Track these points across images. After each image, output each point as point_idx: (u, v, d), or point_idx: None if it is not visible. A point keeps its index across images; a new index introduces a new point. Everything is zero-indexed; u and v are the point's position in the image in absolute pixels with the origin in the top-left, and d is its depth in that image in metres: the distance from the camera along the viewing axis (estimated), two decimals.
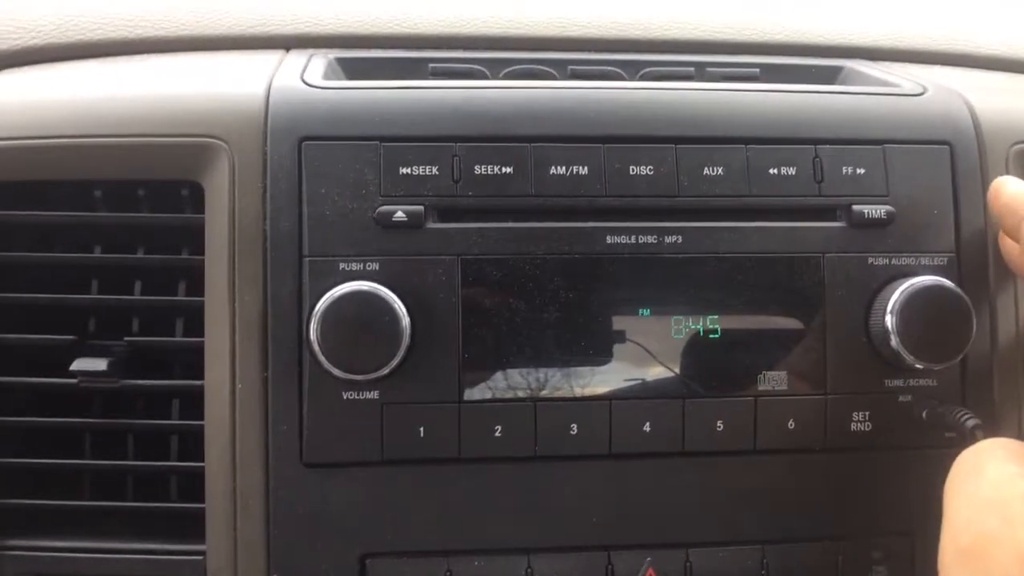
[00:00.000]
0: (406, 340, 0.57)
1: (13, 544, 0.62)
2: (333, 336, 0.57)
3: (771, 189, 0.62)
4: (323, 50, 0.76)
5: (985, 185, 0.64)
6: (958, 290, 0.60)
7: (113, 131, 0.62)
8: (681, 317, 0.61)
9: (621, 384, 0.61)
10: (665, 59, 0.79)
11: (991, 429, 0.58)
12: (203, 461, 0.61)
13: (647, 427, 0.61)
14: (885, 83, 0.72)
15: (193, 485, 0.61)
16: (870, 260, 0.62)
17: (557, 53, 0.79)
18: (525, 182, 0.61)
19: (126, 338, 0.63)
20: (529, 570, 0.61)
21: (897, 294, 0.60)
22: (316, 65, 0.70)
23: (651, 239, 0.61)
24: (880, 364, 0.62)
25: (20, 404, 0.63)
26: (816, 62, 0.81)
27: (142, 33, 0.77)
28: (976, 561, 0.46)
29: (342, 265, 0.59)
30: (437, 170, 0.60)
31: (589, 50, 0.80)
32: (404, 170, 0.60)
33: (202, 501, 0.61)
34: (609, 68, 0.76)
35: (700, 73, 0.77)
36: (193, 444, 0.62)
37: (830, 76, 0.79)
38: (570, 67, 0.76)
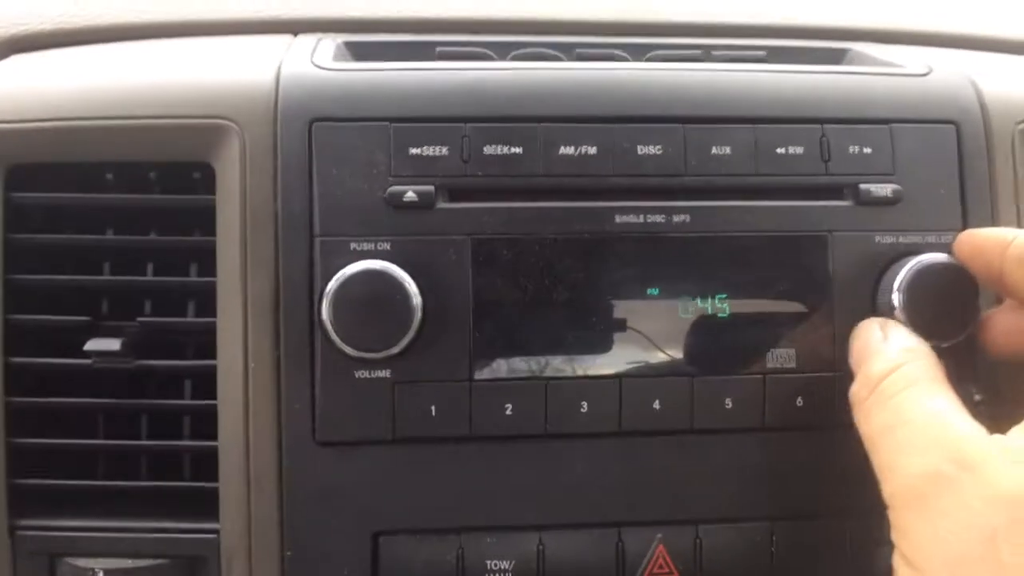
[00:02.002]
0: (417, 319, 0.58)
1: (27, 524, 0.62)
2: (345, 314, 0.57)
3: (778, 168, 0.63)
4: (331, 34, 0.76)
5: (992, 163, 0.65)
6: (964, 266, 0.60)
7: (124, 112, 0.62)
8: (689, 296, 0.62)
9: (630, 362, 0.61)
10: (671, 42, 0.79)
11: (997, 405, 0.59)
12: (216, 441, 0.61)
13: (656, 405, 0.61)
14: (891, 64, 0.73)
15: (206, 465, 0.62)
16: (877, 238, 0.63)
17: (563, 37, 0.79)
18: (534, 162, 0.61)
19: (139, 319, 0.63)
20: (541, 547, 0.61)
21: (904, 272, 0.60)
22: (325, 48, 0.70)
23: (659, 218, 0.62)
24: None
25: (34, 385, 0.64)
26: (822, 44, 0.81)
27: (149, 18, 0.78)
28: (935, 501, 0.47)
29: (353, 245, 0.59)
30: (447, 150, 0.61)
31: (595, 34, 0.81)
32: (414, 150, 0.61)
33: (215, 480, 0.61)
34: (615, 51, 0.77)
35: (706, 56, 0.77)
36: (206, 424, 0.62)
37: (836, 58, 0.79)
38: (576, 50, 0.77)
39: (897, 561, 0.50)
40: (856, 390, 0.55)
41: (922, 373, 0.53)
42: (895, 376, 0.53)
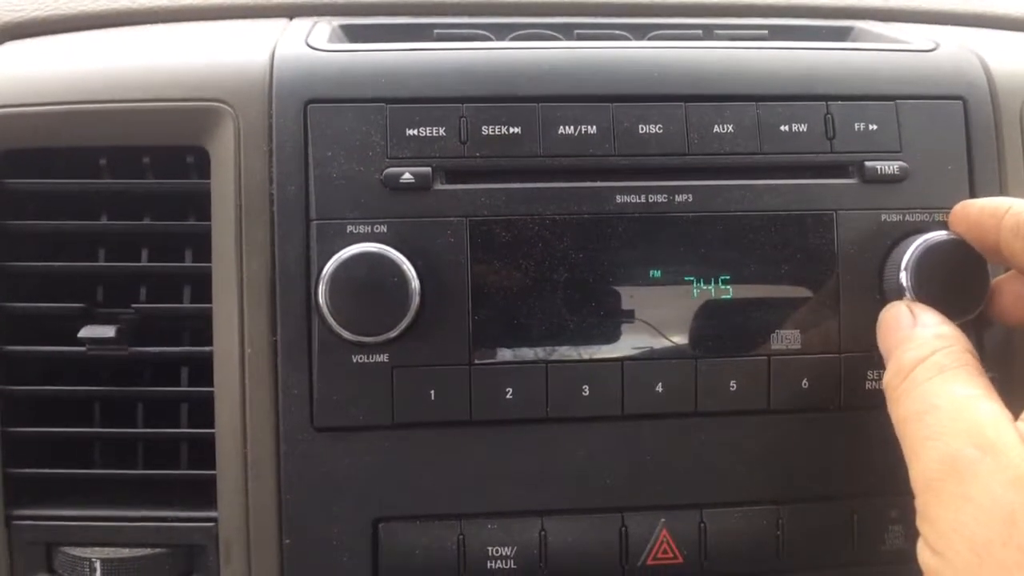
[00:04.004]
0: (415, 302, 0.57)
1: (25, 513, 0.62)
2: (342, 298, 0.56)
3: (782, 146, 0.62)
4: (327, 17, 0.76)
5: (1000, 140, 0.64)
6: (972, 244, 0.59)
7: (118, 96, 0.62)
8: (692, 277, 0.61)
9: (633, 345, 0.60)
10: (672, 22, 0.78)
11: (1008, 383, 0.58)
12: (213, 428, 0.60)
13: (659, 387, 0.60)
14: (896, 40, 0.72)
15: (204, 452, 0.61)
16: (883, 217, 0.62)
17: (562, 18, 0.78)
18: (533, 142, 0.60)
19: (134, 305, 0.63)
20: (543, 532, 0.60)
21: (911, 250, 0.59)
22: (320, 31, 0.69)
23: (661, 198, 0.61)
24: None
25: (29, 373, 0.63)
26: (826, 23, 0.80)
27: (145, 3, 0.77)
28: (956, 486, 0.47)
29: (350, 228, 0.59)
30: (444, 131, 0.60)
31: (595, 14, 0.80)
32: (411, 132, 0.60)
33: (213, 468, 0.60)
34: (615, 31, 0.76)
35: (708, 35, 0.76)
36: (203, 411, 0.61)
37: (840, 36, 0.78)
38: (576, 31, 0.76)
39: (921, 548, 0.49)
40: (889, 378, 0.54)
41: (953, 360, 0.52)
42: (927, 363, 0.52)
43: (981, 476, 0.46)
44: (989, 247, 0.57)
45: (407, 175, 0.59)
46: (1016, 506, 0.44)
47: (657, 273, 0.60)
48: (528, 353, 0.59)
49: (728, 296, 0.61)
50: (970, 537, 0.45)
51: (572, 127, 0.61)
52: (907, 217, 0.62)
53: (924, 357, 0.52)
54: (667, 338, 0.60)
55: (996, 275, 0.60)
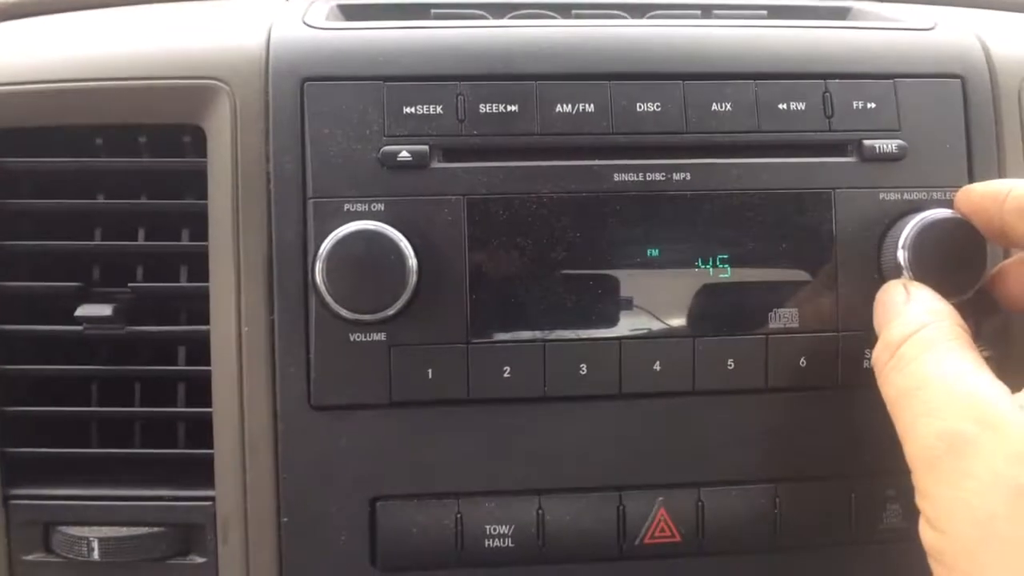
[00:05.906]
0: (413, 280, 0.57)
1: (22, 493, 0.61)
2: (339, 276, 0.56)
3: (780, 124, 0.61)
4: None
5: (998, 119, 0.64)
6: (970, 221, 0.59)
7: (113, 75, 0.61)
8: (690, 255, 0.60)
9: (630, 323, 0.60)
10: (670, 2, 0.78)
11: (1005, 361, 0.58)
12: (210, 407, 0.60)
13: (657, 366, 0.60)
14: (895, 19, 0.71)
15: (201, 432, 0.61)
16: (882, 195, 0.62)
17: None
18: (531, 120, 0.60)
19: (130, 284, 0.62)
20: (540, 511, 0.60)
21: (909, 228, 0.59)
22: (317, 9, 0.69)
23: (659, 176, 0.60)
24: None
25: (26, 353, 0.63)
26: (824, 3, 0.79)
27: None
28: (955, 462, 0.46)
29: (347, 206, 0.58)
30: (442, 109, 0.60)
31: None
32: (408, 109, 0.60)
33: (210, 447, 0.60)
34: (613, 11, 0.75)
35: (706, 14, 0.76)
36: (200, 391, 0.61)
37: (839, 16, 0.78)
38: (573, 11, 0.75)
39: (922, 525, 0.48)
40: (877, 354, 0.54)
41: (943, 334, 0.51)
42: (915, 339, 0.52)
43: (982, 452, 0.45)
44: (994, 230, 0.57)
45: (404, 153, 0.59)
46: (1021, 480, 0.44)
47: (655, 252, 0.60)
48: (526, 332, 0.59)
49: (726, 275, 0.61)
50: (972, 513, 0.45)
51: (569, 105, 0.60)
52: (905, 195, 0.62)
53: (912, 332, 0.52)
54: (665, 317, 0.60)
55: (993, 251, 0.60)
